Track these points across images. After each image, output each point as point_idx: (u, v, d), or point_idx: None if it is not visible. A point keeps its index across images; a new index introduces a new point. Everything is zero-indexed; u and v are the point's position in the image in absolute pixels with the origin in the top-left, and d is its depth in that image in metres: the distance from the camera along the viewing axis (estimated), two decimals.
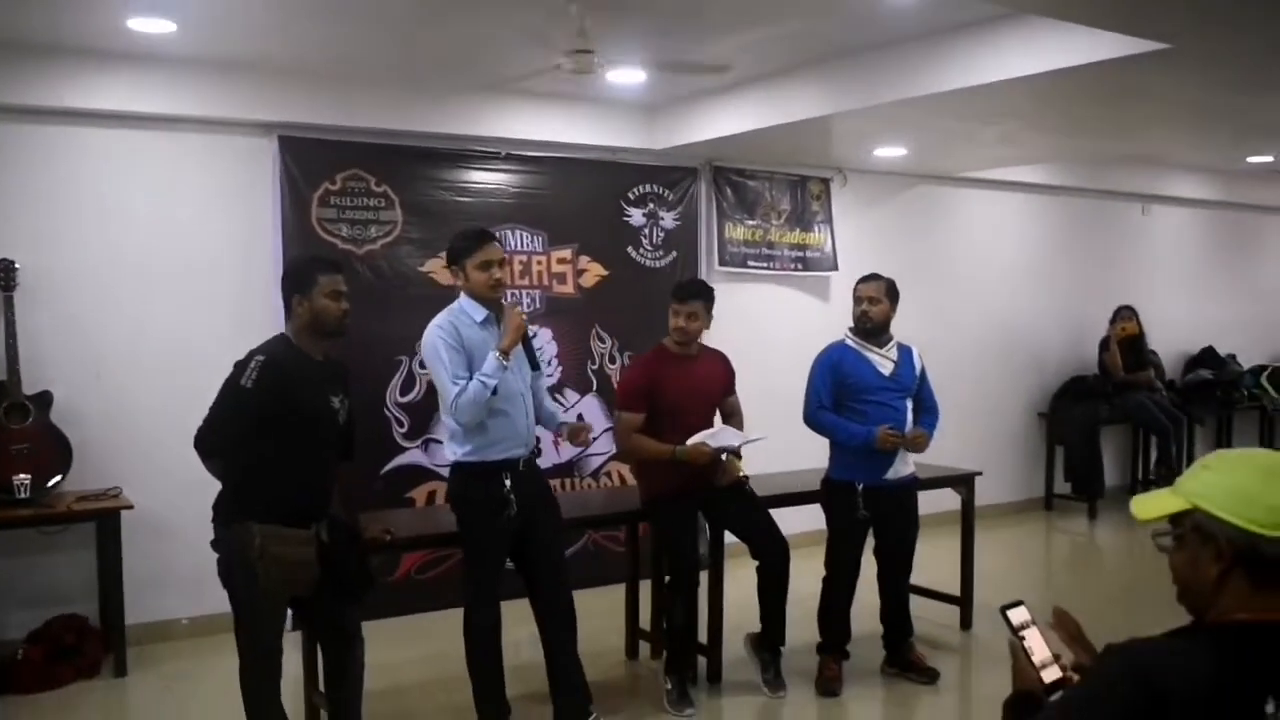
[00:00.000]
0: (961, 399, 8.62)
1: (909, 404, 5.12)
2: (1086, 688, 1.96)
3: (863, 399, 4.99)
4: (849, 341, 5.09)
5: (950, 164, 8.19)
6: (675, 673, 4.88)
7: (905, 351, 5.17)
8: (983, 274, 8.92)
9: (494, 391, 4.12)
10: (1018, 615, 2.31)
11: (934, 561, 6.19)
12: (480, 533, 4.30)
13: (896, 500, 5.07)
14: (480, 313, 4.26)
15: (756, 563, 4.99)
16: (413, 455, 6.35)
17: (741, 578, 5.20)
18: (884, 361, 5.05)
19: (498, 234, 6.50)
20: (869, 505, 5.00)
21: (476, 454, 4.24)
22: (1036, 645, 2.26)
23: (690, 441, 4.78)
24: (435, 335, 4.21)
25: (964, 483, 5.99)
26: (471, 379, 4.12)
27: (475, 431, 4.21)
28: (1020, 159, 8.27)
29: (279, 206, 5.99)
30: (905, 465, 5.09)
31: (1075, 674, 2.18)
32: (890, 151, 7.45)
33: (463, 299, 4.31)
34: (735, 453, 4.96)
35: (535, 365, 4.42)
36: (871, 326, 5.05)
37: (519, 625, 4.59)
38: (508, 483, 4.25)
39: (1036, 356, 9.29)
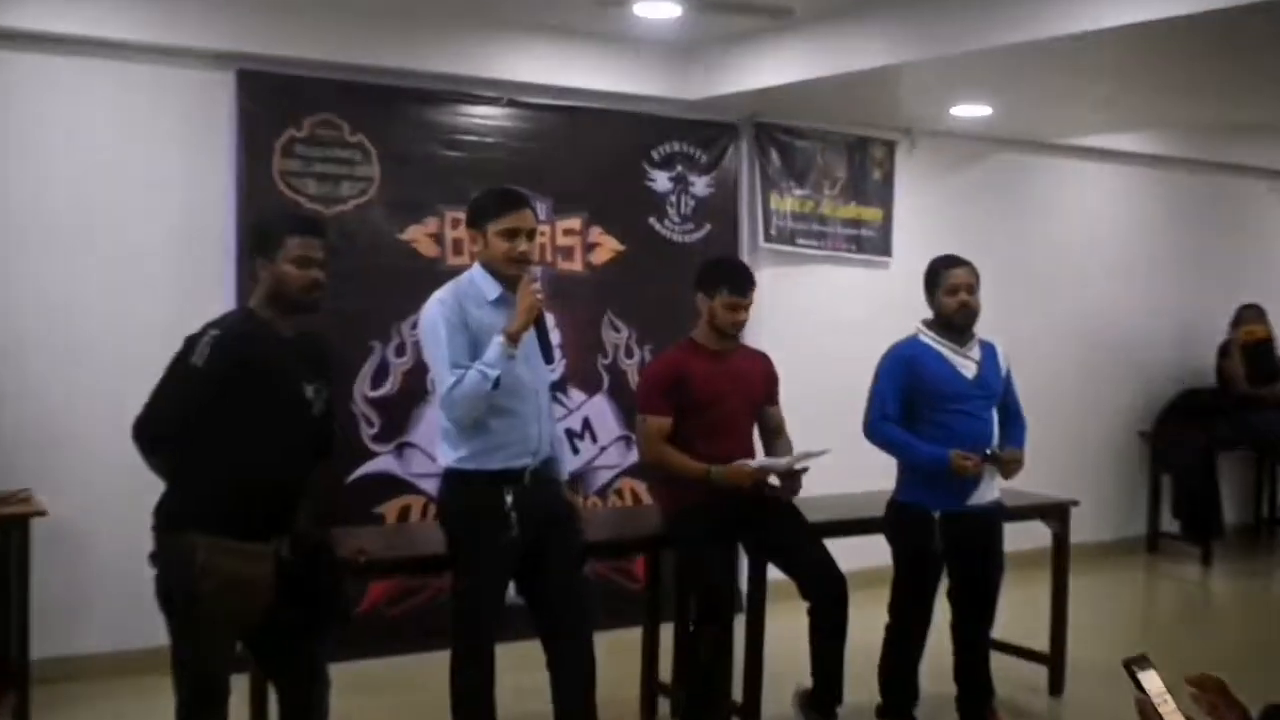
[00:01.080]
0: (1049, 413, 8.56)
1: (995, 415, 5.11)
2: None
3: (943, 408, 4.98)
4: (924, 338, 5.08)
5: (1042, 128, 8.21)
6: None
7: (988, 350, 5.17)
8: (1077, 263, 8.95)
9: (495, 385, 4.10)
10: (1147, 674, 2.32)
11: (1017, 610, 6.17)
12: (473, 558, 4.28)
13: (978, 532, 5.05)
14: (494, 289, 4.26)
15: (807, 604, 4.97)
16: (384, 462, 6.36)
17: (788, 621, 5.19)
18: (966, 363, 5.05)
19: None
20: (945, 536, 4.98)
21: (473, 460, 4.24)
22: (1168, 710, 2.27)
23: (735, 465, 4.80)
24: (436, 311, 4.21)
25: (1056, 514, 5.98)
26: (472, 368, 4.12)
27: (474, 432, 4.21)
28: (1126, 124, 8.29)
29: (235, 156, 6.00)
30: (991, 489, 5.08)
31: None
32: (971, 111, 7.46)
33: (475, 270, 4.31)
34: (789, 474, 4.96)
35: (549, 357, 4.42)
36: (970, 321, 5.07)
37: (524, 670, 4.60)
38: (509, 498, 4.24)
39: (1140, 364, 9.31)
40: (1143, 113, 7.77)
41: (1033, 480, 6.78)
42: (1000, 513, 5.20)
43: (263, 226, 3.94)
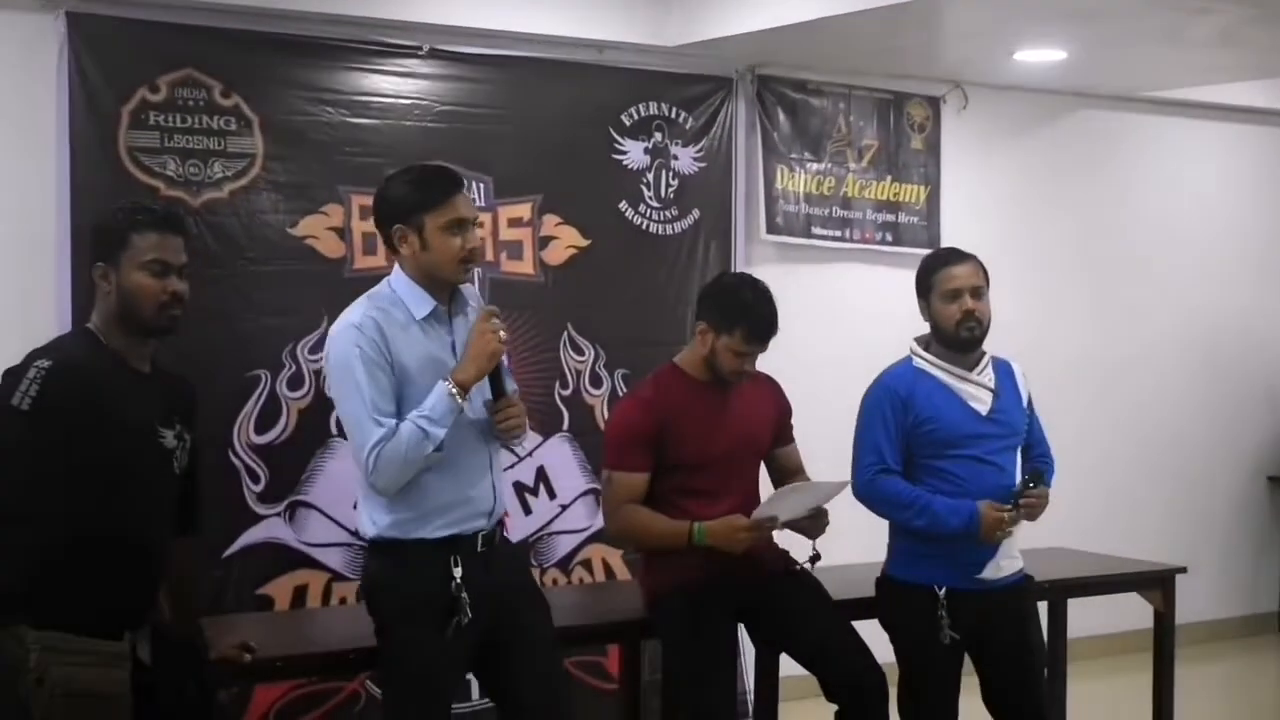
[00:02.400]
0: (1144, 452, 8.71)
1: (1018, 457, 5.11)
2: None
3: (948, 454, 4.96)
4: (920, 362, 5.06)
5: (1134, 77, 8.29)
6: None
7: (1004, 371, 5.14)
8: (1186, 254, 9.02)
9: (439, 447, 4.09)
10: None
11: (1107, 709, 6.22)
12: (409, 655, 4.25)
13: (1004, 614, 5.04)
14: (425, 304, 4.25)
15: (834, 705, 4.98)
16: (272, 528, 6.34)
17: None
18: (979, 392, 5.01)
19: None
20: (959, 624, 4.97)
21: (407, 527, 4.21)
22: None
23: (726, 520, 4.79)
24: (347, 342, 4.17)
25: (1158, 585, 5.99)
26: (401, 419, 4.09)
27: (408, 491, 4.18)
28: (1244, 70, 8.31)
29: (66, 127, 5.95)
30: (1012, 559, 5.07)
31: None
32: (1041, 55, 7.52)
33: (396, 279, 4.30)
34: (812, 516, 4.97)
35: (500, 391, 4.33)
36: (978, 335, 5.02)
37: None
38: (457, 572, 4.21)
39: (1271, 386, 9.39)
40: (1270, 53, 7.75)
41: (1128, 542, 6.86)
42: (1030, 588, 5.21)
43: (103, 223, 3.89)
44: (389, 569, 4.28)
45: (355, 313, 4.25)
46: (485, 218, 6.62)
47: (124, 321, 3.77)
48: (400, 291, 4.27)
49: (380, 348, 4.14)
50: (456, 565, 4.20)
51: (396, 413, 4.11)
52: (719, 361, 4.95)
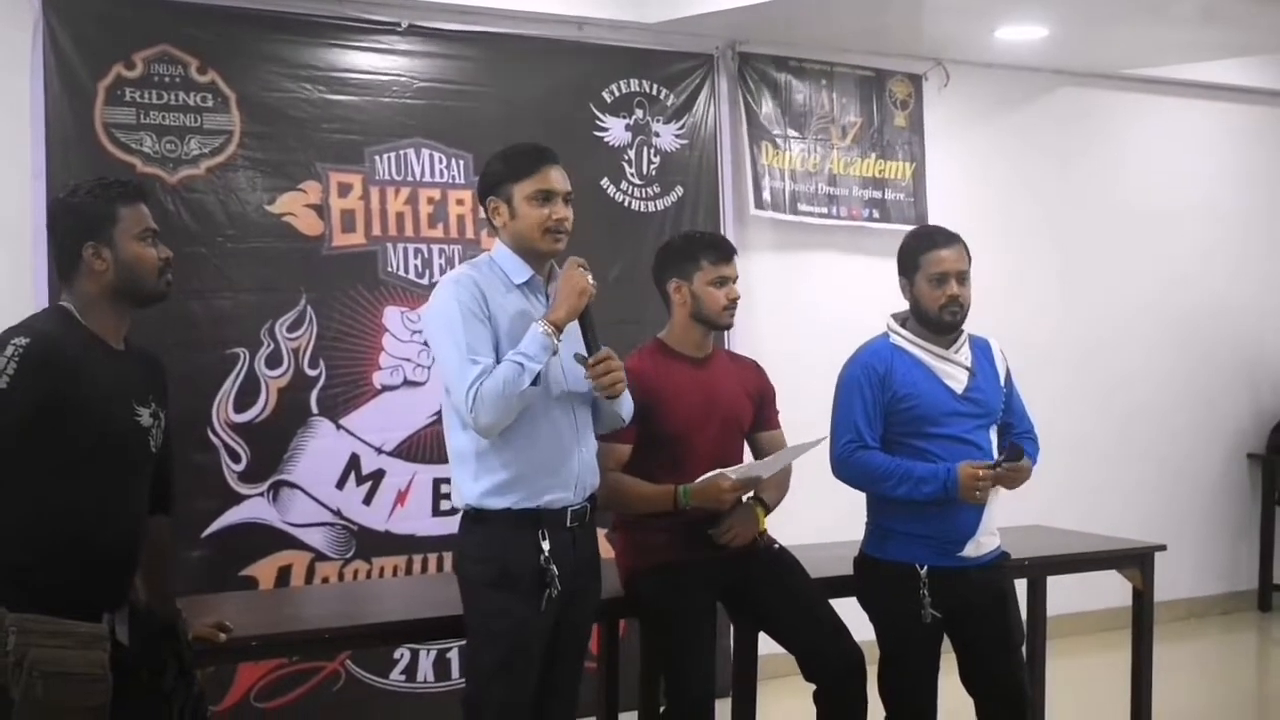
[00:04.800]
0: (1129, 431, 8.74)
1: (993, 435, 5.13)
2: None
3: (925, 432, 4.95)
4: (897, 339, 5.04)
5: (1117, 54, 8.29)
6: None
7: (981, 349, 5.12)
8: (1165, 231, 9.02)
9: (535, 382, 4.12)
10: None
11: (1087, 687, 6.24)
12: (503, 628, 4.26)
13: (983, 592, 5.04)
14: (523, 271, 4.33)
15: (813, 685, 4.99)
16: (254, 508, 6.34)
17: (787, 706, 5.23)
18: (955, 370, 4.99)
19: (392, 154, 6.56)
20: (940, 602, 4.97)
21: (501, 494, 4.25)
22: None
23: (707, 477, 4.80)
24: (449, 294, 4.24)
25: (1137, 563, 5.99)
26: (499, 361, 4.14)
27: (501, 457, 4.23)
28: (1230, 46, 8.34)
29: (43, 104, 5.96)
30: (991, 536, 5.07)
31: None
32: (1022, 32, 7.53)
33: (498, 249, 4.39)
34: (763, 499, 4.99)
35: (593, 343, 4.35)
36: (959, 319, 5.00)
37: None
38: (546, 546, 4.26)
39: (1249, 363, 9.42)
40: (1253, 29, 7.73)
41: (1108, 520, 6.88)
42: (1008, 566, 5.22)
43: (82, 201, 3.84)
44: (479, 539, 4.32)
45: (455, 273, 4.39)
46: (465, 195, 6.63)
47: (121, 295, 3.78)
48: (499, 260, 4.36)
49: (479, 301, 4.20)
50: (544, 539, 4.25)
51: (493, 360, 4.15)
52: (705, 306, 4.95)
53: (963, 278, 4.96)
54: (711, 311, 4.95)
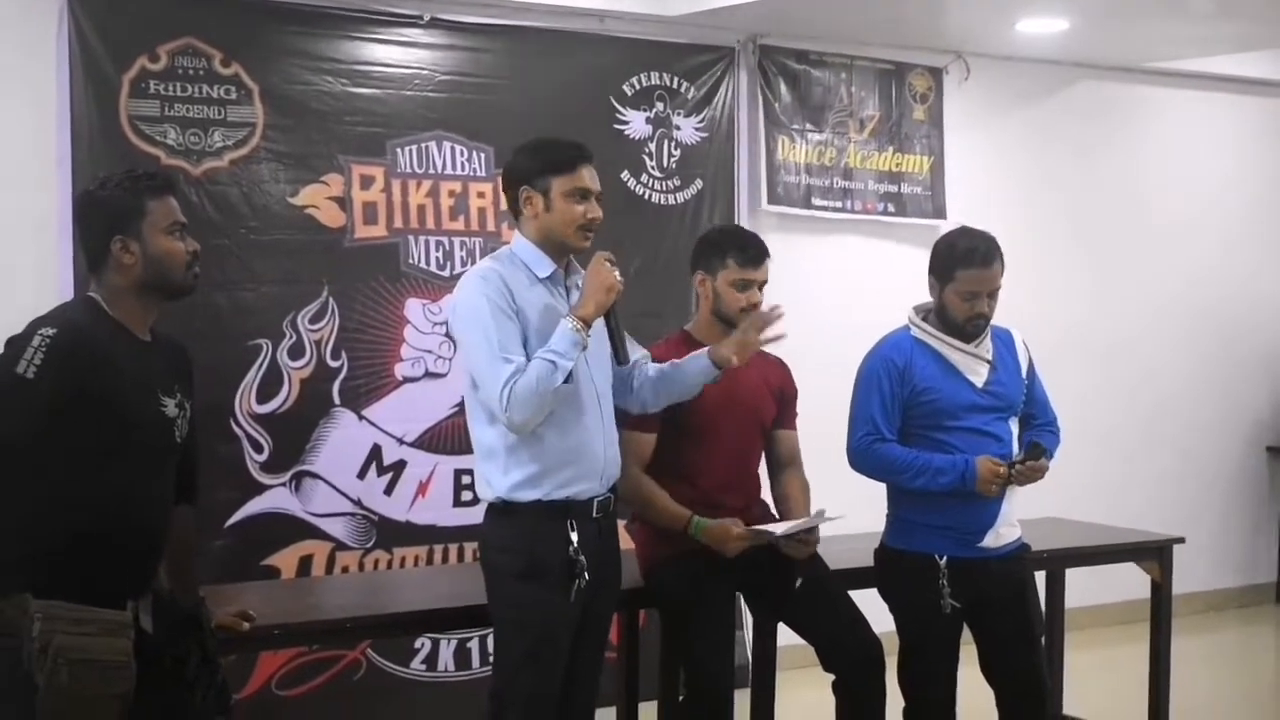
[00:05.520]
0: (1146, 424, 8.73)
1: (1014, 427, 5.13)
2: None
3: (944, 425, 4.96)
4: (918, 332, 5.04)
5: (1138, 47, 8.28)
6: None
7: (1003, 341, 5.13)
8: (1187, 224, 9.02)
9: (567, 379, 4.15)
10: None
11: (1105, 680, 6.25)
12: (532, 620, 4.29)
13: (1003, 583, 5.06)
14: (547, 265, 4.34)
15: (831, 675, 5.01)
16: (277, 498, 6.37)
17: (806, 697, 5.24)
18: (976, 365, 4.99)
19: (414, 146, 6.57)
20: (959, 593, 4.99)
21: (530, 487, 4.27)
22: None
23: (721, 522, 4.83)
24: (477, 290, 4.24)
25: (1155, 555, 6.00)
26: (530, 359, 4.15)
27: (530, 451, 4.26)
28: (1248, 39, 8.32)
29: (68, 97, 5.96)
30: (1011, 527, 5.08)
31: None
32: (1043, 25, 7.51)
33: (519, 243, 4.39)
34: (802, 539, 4.96)
35: (622, 357, 4.44)
36: (981, 329, 5.01)
37: None
38: (575, 536, 4.29)
39: (1270, 357, 9.41)
40: (1269, 25, 7.74)
41: (1123, 513, 6.88)
42: (1028, 558, 5.23)
43: (110, 194, 3.84)
44: (506, 530, 4.34)
45: (480, 268, 4.38)
46: (486, 188, 6.64)
47: (148, 288, 3.78)
48: (521, 254, 4.35)
49: (507, 297, 4.21)
50: (573, 530, 4.28)
51: (524, 357, 4.16)
52: (725, 304, 4.96)
53: (994, 294, 4.96)
54: (729, 311, 4.95)
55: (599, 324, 4.29)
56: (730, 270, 4.95)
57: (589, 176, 4.35)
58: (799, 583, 4.97)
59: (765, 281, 5.02)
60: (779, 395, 5.19)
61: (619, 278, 4.27)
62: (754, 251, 5.02)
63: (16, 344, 3.60)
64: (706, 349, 4.60)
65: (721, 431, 4.94)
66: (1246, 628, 8.77)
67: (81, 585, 3.62)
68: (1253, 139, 9.33)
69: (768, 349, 5.00)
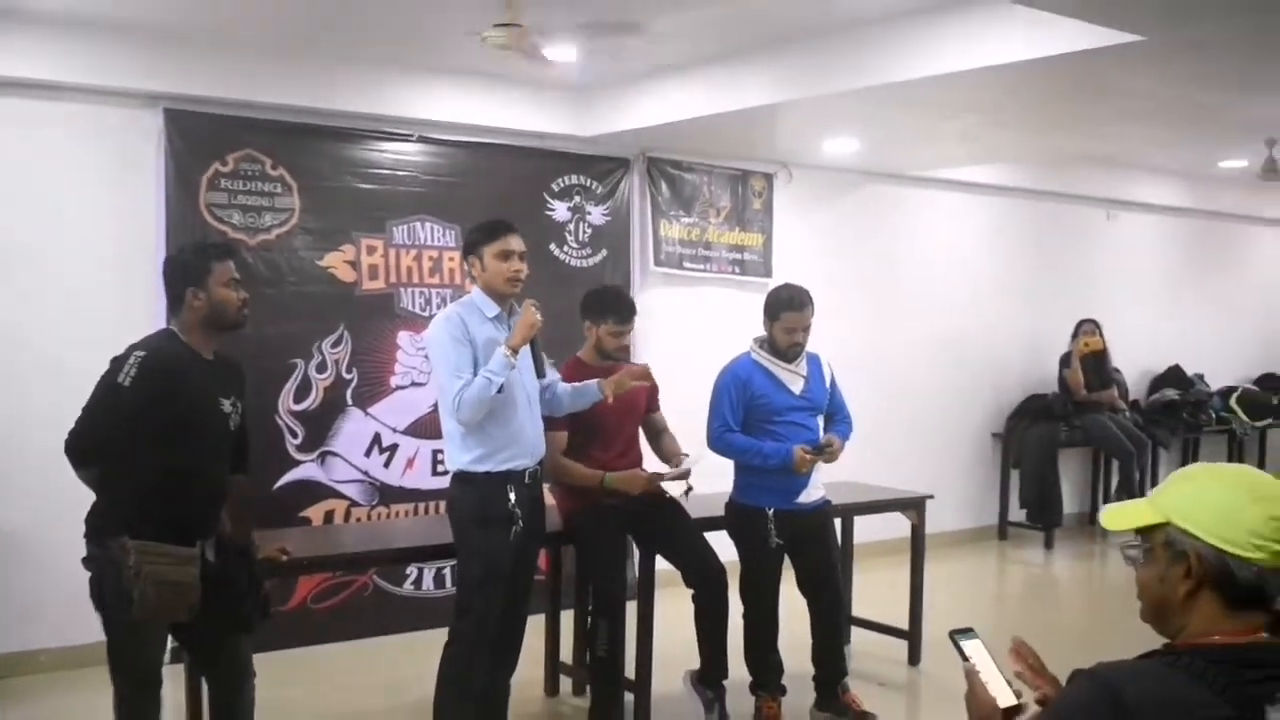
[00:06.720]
0: (911, 416, 8.78)
1: (820, 422, 5.18)
2: (1056, 711, 2.03)
3: (773, 420, 5.03)
4: (756, 356, 5.10)
5: (905, 161, 8.31)
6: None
7: (814, 363, 5.18)
8: (936, 282, 9.07)
9: (499, 390, 4.18)
10: (970, 643, 2.39)
11: (881, 593, 6.30)
12: (483, 552, 4.32)
13: (811, 527, 5.12)
14: (493, 308, 4.37)
15: (691, 590, 5.03)
16: (307, 469, 6.31)
17: (673, 610, 5.26)
18: (794, 378, 5.07)
19: (405, 225, 6.52)
20: (782, 533, 5.04)
21: (481, 462, 4.30)
22: (991, 673, 2.34)
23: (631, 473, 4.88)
24: (442, 327, 4.30)
25: (914, 507, 6.08)
26: (476, 376, 4.20)
27: (480, 437, 4.28)
28: (981, 157, 8.41)
29: (163, 189, 5.92)
30: (817, 489, 5.16)
31: (1037, 704, 2.25)
32: (841, 146, 7.52)
33: (475, 292, 4.43)
34: (682, 476, 4.99)
35: (541, 372, 4.48)
36: (798, 354, 5.07)
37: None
38: (513, 495, 4.30)
39: (992, 372, 9.45)
40: (996, 147, 7.85)
41: (894, 478, 6.94)
42: (829, 509, 5.28)
43: (186, 257, 3.86)
44: (467, 492, 4.36)
45: (446, 311, 4.44)
46: (455, 254, 6.61)
47: (210, 324, 3.77)
48: (476, 300, 4.41)
49: (463, 330, 4.26)
50: (511, 491, 4.31)
51: (471, 374, 4.20)
52: (604, 344, 5.00)
53: (807, 329, 5.05)
54: (607, 349, 5.01)
55: (526, 349, 4.33)
56: (609, 325, 4.97)
57: (514, 241, 4.37)
58: (688, 492, 5.02)
59: (631, 330, 5.05)
60: (647, 391, 5.19)
61: (539, 319, 4.32)
62: (626, 313, 5.04)
63: (118, 362, 3.62)
64: (595, 381, 4.70)
65: (608, 420, 4.95)
66: (976, 555, 8.87)
67: (165, 530, 3.62)
68: (985, 225, 9.40)
69: (644, 357, 5.08)
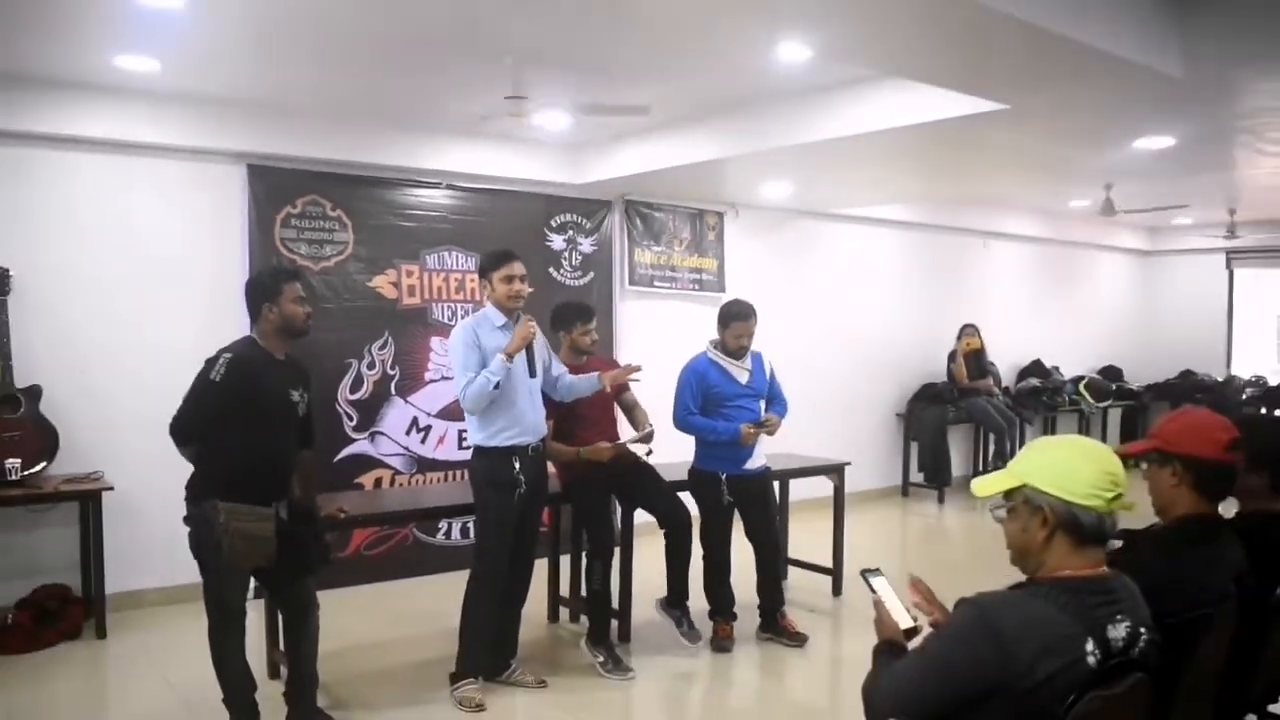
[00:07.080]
0: (833, 401, 8.80)
1: (762, 405, 5.19)
2: (944, 631, 2.05)
3: (725, 404, 5.04)
4: (711, 355, 5.11)
5: (828, 201, 8.31)
6: (602, 644, 4.86)
7: (757, 359, 5.19)
8: (852, 295, 9.05)
9: (496, 386, 4.18)
10: (877, 579, 2.41)
11: (810, 539, 6.30)
12: (495, 508, 4.34)
13: (756, 488, 5.14)
14: (501, 319, 4.35)
15: (663, 532, 5.02)
16: (361, 446, 6.27)
17: (647, 555, 5.25)
18: (741, 371, 5.09)
19: (435, 254, 6.49)
20: (732, 492, 5.06)
21: (492, 439, 4.31)
22: (894, 603, 2.36)
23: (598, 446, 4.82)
24: (458, 334, 4.31)
25: (835, 472, 6.06)
26: (479, 374, 4.20)
27: (491, 419, 4.30)
28: (885, 198, 8.43)
29: (247, 226, 5.89)
30: (760, 458, 5.17)
31: (930, 626, 2.27)
32: (776, 189, 7.53)
33: (488, 307, 4.40)
34: (645, 439, 4.96)
35: (532, 372, 4.43)
36: (744, 353, 5.09)
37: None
38: (517, 465, 4.30)
39: (896, 366, 9.45)
40: (896, 190, 7.87)
41: (820, 449, 6.95)
42: (770, 473, 5.30)
43: (263, 279, 3.86)
44: (482, 462, 4.35)
45: (464, 322, 4.40)
46: (474, 277, 6.54)
47: (282, 332, 3.76)
48: (489, 313, 4.39)
49: (474, 337, 4.27)
50: (516, 461, 4.31)
51: (477, 373, 4.21)
52: (579, 344, 4.91)
53: (750, 335, 5.06)
54: (582, 347, 4.92)
55: (524, 353, 4.34)
56: (580, 327, 4.90)
57: (517, 267, 4.37)
58: (649, 453, 4.98)
59: (594, 327, 4.97)
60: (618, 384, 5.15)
61: (534, 331, 4.33)
62: (588, 315, 4.97)
63: (211, 361, 3.62)
64: (597, 374, 4.68)
65: (586, 405, 4.87)
66: (884, 509, 8.84)
67: (247, 493, 3.61)
68: (889, 252, 9.33)
69: (624, 351, 4.98)
